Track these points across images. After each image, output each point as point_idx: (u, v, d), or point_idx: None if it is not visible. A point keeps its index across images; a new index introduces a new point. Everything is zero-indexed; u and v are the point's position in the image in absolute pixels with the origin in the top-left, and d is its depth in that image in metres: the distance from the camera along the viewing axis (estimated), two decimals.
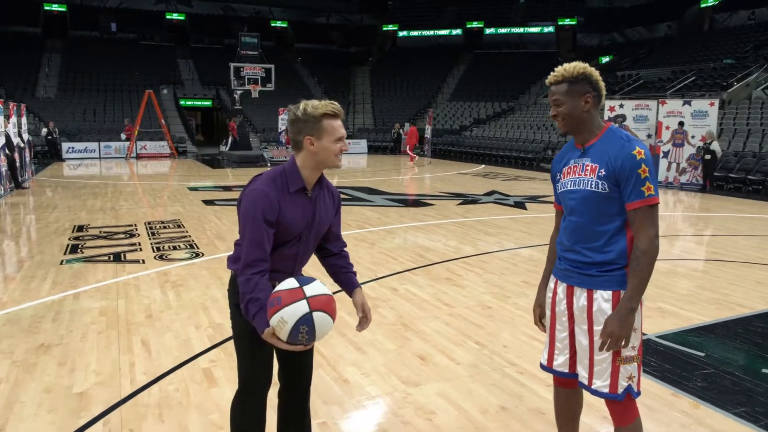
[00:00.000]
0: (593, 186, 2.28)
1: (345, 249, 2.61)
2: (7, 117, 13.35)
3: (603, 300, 2.29)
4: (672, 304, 5.31)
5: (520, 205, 11.54)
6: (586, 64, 2.34)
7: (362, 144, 29.05)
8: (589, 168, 2.31)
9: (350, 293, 2.56)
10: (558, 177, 2.45)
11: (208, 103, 34.08)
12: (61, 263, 6.68)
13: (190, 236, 8.21)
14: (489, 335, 4.54)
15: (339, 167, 2.36)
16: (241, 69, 22.68)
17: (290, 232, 2.29)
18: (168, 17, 37.65)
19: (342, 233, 2.61)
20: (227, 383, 3.69)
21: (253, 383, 2.43)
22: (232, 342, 4.03)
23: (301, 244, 2.38)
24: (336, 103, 2.31)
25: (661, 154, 15.37)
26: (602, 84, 2.34)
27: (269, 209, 2.20)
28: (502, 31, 38.23)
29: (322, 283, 2.10)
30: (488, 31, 38.48)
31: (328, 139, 2.27)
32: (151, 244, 7.70)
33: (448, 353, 4.19)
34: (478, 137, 26.36)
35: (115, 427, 3.19)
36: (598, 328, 2.28)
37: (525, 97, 31.36)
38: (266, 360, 2.43)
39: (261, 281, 2.16)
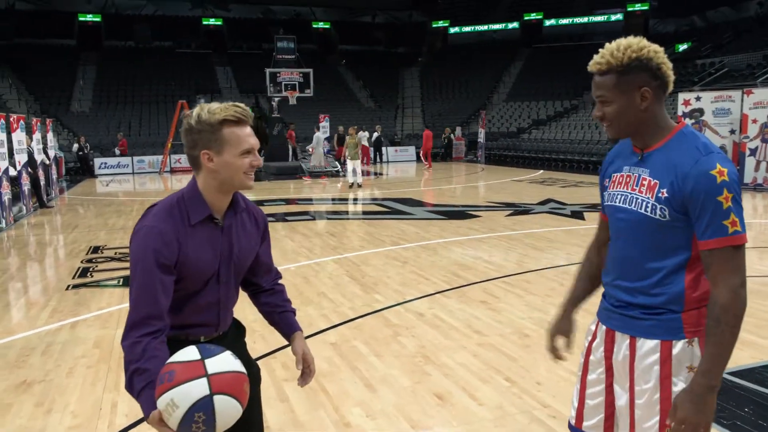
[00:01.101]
0: (648, 209, 1.84)
1: (279, 282, 2.32)
2: (30, 134, 13.84)
3: (649, 351, 1.87)
4: (753, 332, 4.82)
5: (577, 215, 11.06)
6: (643, 41, 1.84)
7: (410, 151, 28.89)
8: (646, 183, 1.86)
9: (288, 338, 2.21)
10: (606, 184, 2.04)
11: None
12: (67, 288, 6.73)
13: None
14: (522, 369, 4.21)
15: (250, 188, 2.00)
16: (278, 74, 22.92)
17: (202, 276, 1.97)
18: (204, 23, 38.70)
19: (273, 267, 2.30)
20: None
21: None
22: None
23: (221, 287, 2.06)
24: (241, 105, 1.96)
25: (747, 152, 14.53)
26: (668, 67, 1.84)
27: (164, 250, 1.87)
28: (564, 21, 37.53)
29: (232, 356, 1.74)
30: (548, 22, 37.87)
31: (231, 153, 1.90)
32: None
33: (470, 391, 3.90)
34: (537, 140, 25.79)
35: None
36: (641, 387, 1.89)
37: (589, 94, 30.22)
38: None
39: (152, 345, 1.82)
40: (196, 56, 36.54)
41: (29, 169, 13.23)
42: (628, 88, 1.82)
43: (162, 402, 1.63)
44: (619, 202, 1.93)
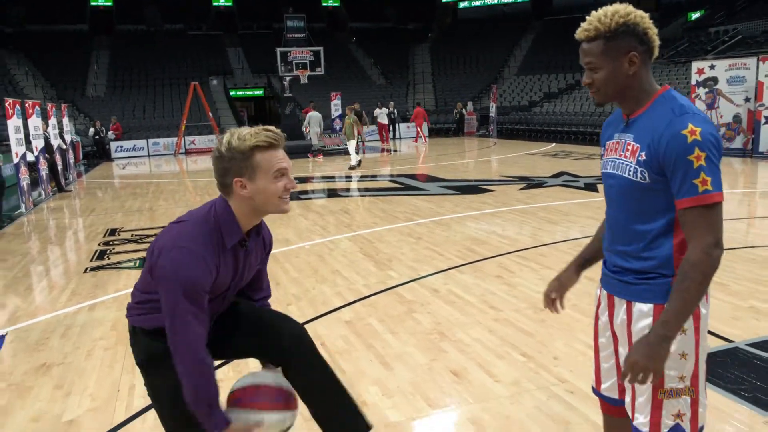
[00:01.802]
0: (631, 173, 1.85)
1: (267, 302, 2.35)
2: (46, 119, 13.82)
3: (643, 315, 1.89)
4: None
5: (590, 187, 10.87)
6: (629, 6, 1.85)
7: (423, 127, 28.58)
8: (630, 148, 1.87)
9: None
10: (602, 152, 2.07)
11: (259, 92, 34.55)
12: (85, 271, 6.72)
13: None
14: (538, 344, 4.13)
15: (286, 212, 1.96)
16: (288, 54, 22.69)
17: (214, 294, 1.98)
18: (215, 3, 38.33)
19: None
20: None
21: None
22: (241, 361, 3.82)
23: (223, 302, 2.11)
24: (272, 128, 1.91)
25: (763, 120, 14.18)
26: (653, 32, 1.85)
27: (207, 278, 1.87)
28: None
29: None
30: None
31: (264, 179, 1.88)
32: None
33: (487, 368, 3.82)
34: (549, 113, 25.41)
35: None
36: None
37: None
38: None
39: (210, 367, 1.92)
40: (208, 38, 36.24)
41: (46, 154, 13.24)
42: (616, 53, 1.83)
43: (254, 416, 1.92)
44: (610, 169, 1.96)
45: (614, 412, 2.16)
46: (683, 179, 1.73)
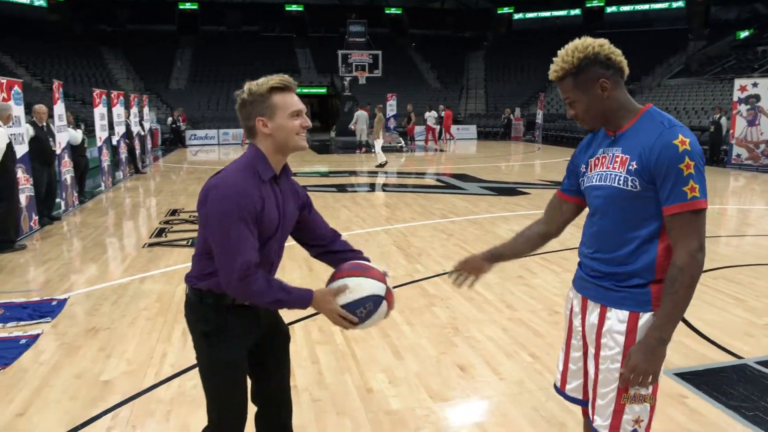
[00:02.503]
0: (621, 182, 1.80)
1: (344, 241, 2.30)
2: (128, 108, 14.25)
3: (617, 321, 1.84)
4: None
5: None
6: (587, 40, 1.84)
7: (471, 130, 28.26)
8: (619, 160, 1.82)
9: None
10: (583, 170, 1.97)
11: (322, 90, 34.78)
12: (143, 246, 6.87)
13: None
14: (547, 346, 3.95)
15: (304, 148, 2.00)
16: (349, 56, 22.72)
17: (267, 232, 1.95)
18: (287, 9, 38.75)
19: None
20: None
21: (229, 423, 2.07)
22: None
23: (276, 245, 2.04)
24: (285, 75, 1.96)
25: None
26: (617, 55, 1.83)
27: (249, 204, 1.85)
28: (625, 8, 35.47)
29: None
30: (609, 9, 35.90)
31: (282, 116, 1.93)
32: None
33: (494, 365, 3.68)
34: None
35: (121, 422, 3.05)
36: (605, 353, 1.85)
37: (648, 79, 28.88)
38: (243, 395, 2.08)
39: (265, 275, 1.89)
40: (279, 39, 36.68)
41: (126, 140, 13.65)
42: (586, 85, 1.82)
43: (349, 281, 1.96)
44: (596, 182, 1.90)
45: (586, 414, 2.07)
46: (673, 186, 1.71)
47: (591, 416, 1.91)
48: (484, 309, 4.71)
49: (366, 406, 3.18)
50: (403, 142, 21.37)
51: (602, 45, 1.81)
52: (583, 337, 1.97)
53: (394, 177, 14.16)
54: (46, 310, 4.69)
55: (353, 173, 14.52)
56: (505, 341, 4.05)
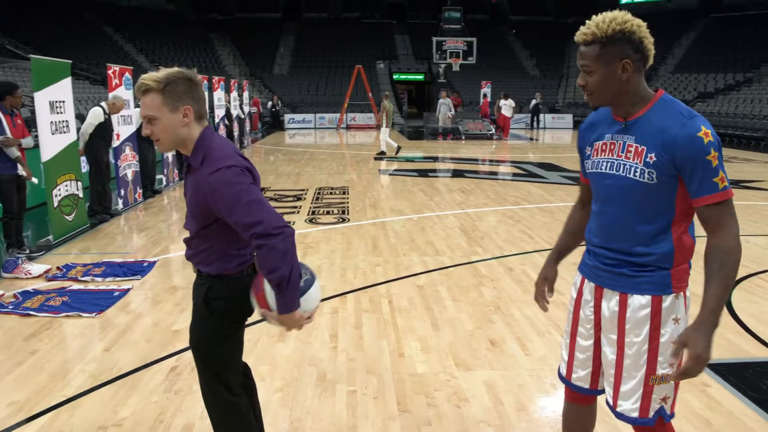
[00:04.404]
0: (638, 174, 1.79)
1: (258, 245, 2.05)
2: (228, 92, 15.24)
3: (639, 306, 1.85)
4: None
5: None
6: (627, 15, 1.78)
7: (567, 119, 27.47)
8: (633, 150, 1.80)
9: None
10: (587, 152, 1.98)
11: (420, 76, 34.99)
12: None
13: (347, 203, 8.62)
14: None
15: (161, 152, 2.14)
16: (443, 43, 22.78)
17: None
18: None
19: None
20: (296, 342, 3.85)
21: (236, 376, 2.26)
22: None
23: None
24: (153, 73, 2.03)
25: None
26: (649, 41, 1.78)
27: (246, 162, 2.05)
28: None
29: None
30: None
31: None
32: (310, 207, 8.26)
33: (524, 342, 3.85)
34: (699, 113, 23.03)
35: (183, 364, 3.54)
36: (631, 339, 1.86)
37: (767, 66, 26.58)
38: (241, 349, 2.31)
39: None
40: (380, 26, 37.25)
41: (226, 122, 14.65)
42: (610, 59, 1.77)
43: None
44: (606, 169, 1.88)
45: (581, 401, 2.14)
46: (703, 178, 1.71)
47: (613, 402, 1.94)
48: (530, 291, 4.82)
49: (394, 368, 3.48)
50: (493, 129, 21.20)
51: (640, 26, 1.77)
52: (596, 324, 1.98)
53: (476, 164, 14.21)
54: (138, 269, 5.36)
55: (436, 159, 14.72)
56: (542, 321, 4.18)
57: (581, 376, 2.06)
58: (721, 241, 1.73)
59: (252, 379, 2.45)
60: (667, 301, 1.82)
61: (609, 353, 1.93)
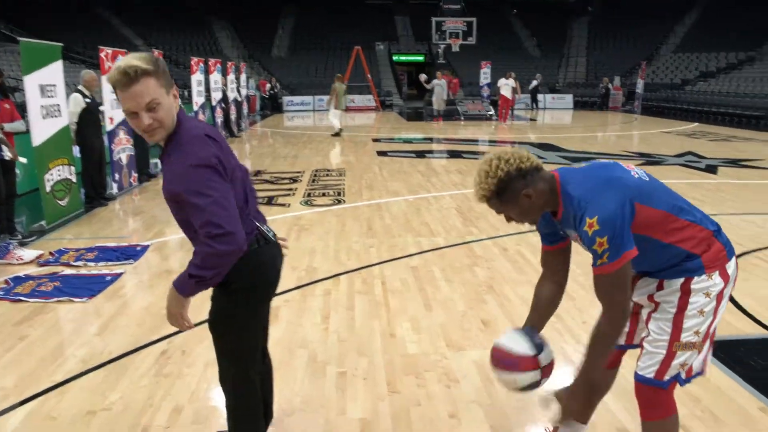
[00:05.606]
0: (594, 258, 1.92)
1: (201, 245, 1.94)
2: (225, 75, 15.11)
3: (674, 284, 1.98)
4: None
5: (711, 168, 9.85)
6: (493, 161, 1.89)
7: (567, 99, 27.27)
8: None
9: None
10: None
11: (419, 57, 34.62)
12: None
13: (343, 185, 8.57)
14: (574, 309, 4.02)
15: (151, 143, 1.98)
16: (443, 23, 22.53)
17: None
18: None
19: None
20: (288, 324, 3.83)
21: (252, 356, 2.28)
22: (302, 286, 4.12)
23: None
24: (131, 60, 1.81)
25: None
26: (524, 159, 1.90)
27: (215, 150, 1.90)
28: None
29: (550, 348, 2.14)
30: None
31: (125, 114, 1.89)
32: (306, 189, 8.22)
33: (517, 322, 3.80)
34: (699, 92, 22.90)
35: (173, 347, 3.53)
36: (658, 315, 2.01)
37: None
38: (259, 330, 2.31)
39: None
40: (381, 7, 36.78)
41: (223, 105, 14.54)
42: (513, 199, 1.91)
43: (506, 377, 2.16)
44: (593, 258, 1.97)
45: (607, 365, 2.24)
46: (593, 257, 1.86)
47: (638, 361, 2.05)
48: (524, 271, 4.81)
49: (384, 349, 3.46)
50: (492, 110, 21.04)
51: (508, 161, 1.88)
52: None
53: (475, 145, 14.13)
54: (130, 253, 5.33)
55: (435, 140, 14.63)
56: None
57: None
58: (604, 318, 1.92)
59: (269, 357, 2.51)
60: (698, 280, 1.93)
61: (644, 316, 2.09)
